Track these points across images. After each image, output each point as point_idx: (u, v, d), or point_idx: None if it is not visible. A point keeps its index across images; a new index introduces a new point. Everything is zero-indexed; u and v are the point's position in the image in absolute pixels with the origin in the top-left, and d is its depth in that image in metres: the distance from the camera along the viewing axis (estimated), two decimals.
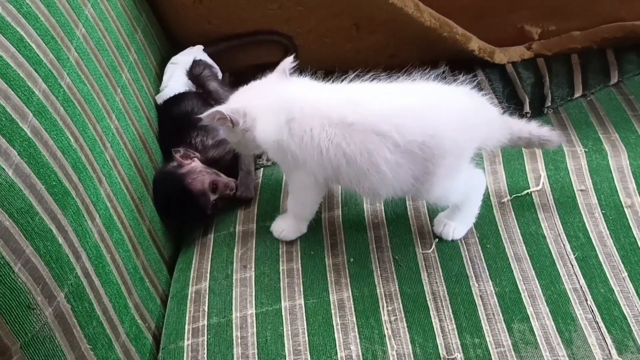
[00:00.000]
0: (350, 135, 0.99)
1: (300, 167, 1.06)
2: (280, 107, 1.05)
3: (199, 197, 1.21)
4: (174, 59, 1.49)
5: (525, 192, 1.20)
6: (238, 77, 1.58)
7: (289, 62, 1.11)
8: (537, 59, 1.56)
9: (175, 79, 1.42)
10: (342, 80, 1.08)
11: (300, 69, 1.64)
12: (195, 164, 1.25)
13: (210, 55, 1.53)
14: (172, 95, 1.38)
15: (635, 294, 1.04)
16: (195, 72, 1.43)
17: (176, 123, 1.34)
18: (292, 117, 1.03)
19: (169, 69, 1.46)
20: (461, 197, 1.10)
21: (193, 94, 1.40)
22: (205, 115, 1.07)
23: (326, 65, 1.62)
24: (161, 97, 1.39)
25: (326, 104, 1.03)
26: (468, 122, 1.02)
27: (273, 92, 1.09)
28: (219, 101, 1.38)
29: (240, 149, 1.16)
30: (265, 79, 1.14)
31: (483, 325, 1.01)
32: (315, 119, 1.01)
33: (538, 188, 1.21)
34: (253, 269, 1.13)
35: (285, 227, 1.16)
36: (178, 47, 1.57)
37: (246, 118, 1.08)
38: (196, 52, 1.51)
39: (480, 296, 1.05)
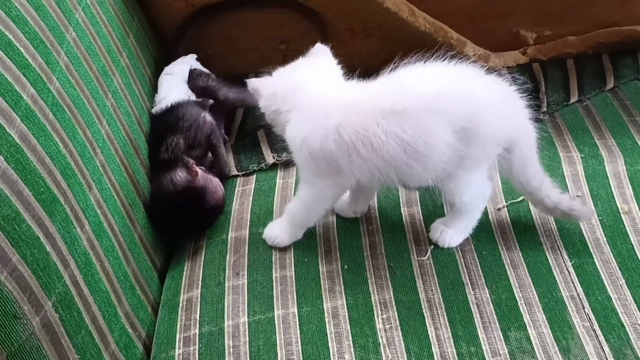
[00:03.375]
0: (405, 120, 0.97)
1: (330, 176, 1.04)
2: (324, 112, 1.02)
3: (222, 204, 1.23)
4: (169, 69, 1.46)
5: (522, 198, 1.19)
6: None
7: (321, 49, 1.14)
8: (533, 64, 1.56)
9: (176, 90, 1.40)
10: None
11: None
12: (201, 172, 1.23)
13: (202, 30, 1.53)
14: (170, 105, 1.37)
15: (633, 302, 1.03)
16: (200, 84, 1.41)
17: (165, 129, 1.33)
18: (340, 123, 1.00)
19: (166, 80, 1.43)
20: (470, 198, 1.08)
21: (192, 102, 1.38)
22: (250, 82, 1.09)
23: None
24: (160, 108, 1.37)
25: (374, 99, 1.01)
26: (505, 110, 1.03)
27: (317, 93, 1.06)
28: (234, 108, 1.45)
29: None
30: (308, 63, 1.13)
31: (479, 334, 1.00)
32: (366, 117, 0.99)
33: None
34: (245, 277, 1.11)
35: (280, 233, 1.14)
36: (170, 51, 1.56)
37: (280, 102, 1.07)
38: (189, 61, 1.49)
39: (476, 304, 1.04)
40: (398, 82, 1.02)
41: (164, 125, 1.31)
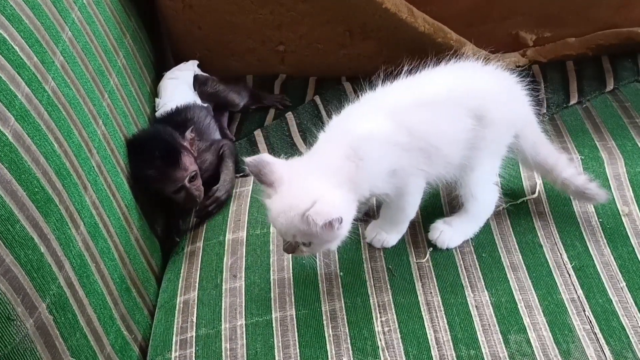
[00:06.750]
0: (439, 109, 1.02)
1: (408, 176, 1.03)
2: (376, 136, 0.99)
3: (180, 167, 1.19)
4: (171, 73, 1.47)
5: (521, 200, 1.18)
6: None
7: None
8: (532, 66, 1.55)
9: (180, 94, 1.41)
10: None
11: (291, 76, 1.63)
12: (192, 155, 1.25)
13: None
14: (175, 107, 1.37)
15: (633, 304, 1.02)
16: (209, 90, 1.45)
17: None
18: (392, 132, 0.99)
19: (169, 84, 1.44)
20: (482, 195, 1.10)
21: (198, 106, 1.40)
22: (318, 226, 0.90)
23: (318, 71, 1.61)
24: (164, 110, 1.38)
25: (401, 98, 1.04)
26: (510, 98, 1.09)
27: (348, 135, 1.01)
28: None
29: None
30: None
31: (479, 337, 0.99)
32: (406, 114, 1.01)
33: (534, 196, 1.19)
34: (243, 279, 1.10)
35: (387, 234, 1.11)
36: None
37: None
38: (192, 67, 1.50)
39: (476, 306, 1.03)
40: (414, 84, 1.06)
41: (171, 127, 1.31)
